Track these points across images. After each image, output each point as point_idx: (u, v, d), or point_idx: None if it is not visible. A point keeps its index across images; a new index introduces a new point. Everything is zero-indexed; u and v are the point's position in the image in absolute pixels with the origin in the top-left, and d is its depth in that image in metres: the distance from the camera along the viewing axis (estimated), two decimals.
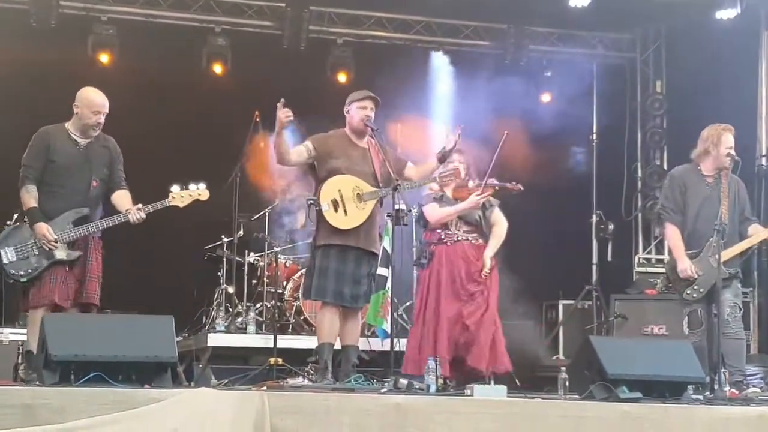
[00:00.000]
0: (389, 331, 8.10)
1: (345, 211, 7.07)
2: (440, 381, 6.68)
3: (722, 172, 7.56)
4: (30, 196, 6.99)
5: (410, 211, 7.36)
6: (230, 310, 9.86)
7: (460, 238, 7.90)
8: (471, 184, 7.90)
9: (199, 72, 11.28)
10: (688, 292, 7.50)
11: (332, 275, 7.07)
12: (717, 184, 7.57)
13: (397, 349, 7.31)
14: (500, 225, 8.01)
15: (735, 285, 7.55)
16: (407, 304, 10.06)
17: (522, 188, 7.90)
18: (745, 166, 7.70)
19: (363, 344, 8.19)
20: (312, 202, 7.15)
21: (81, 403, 5.22)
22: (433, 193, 7.90)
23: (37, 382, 5.95)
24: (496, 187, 7.87)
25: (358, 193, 7.09)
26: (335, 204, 7.06)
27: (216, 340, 9.27)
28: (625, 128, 12.30)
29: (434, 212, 7.91)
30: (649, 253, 12.29)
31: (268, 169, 10.02)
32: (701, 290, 7.45)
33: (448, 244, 7.87)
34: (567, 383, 6.76)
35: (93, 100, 7.11)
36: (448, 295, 7.74)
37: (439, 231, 7.90)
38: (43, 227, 6.90)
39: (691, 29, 11.32)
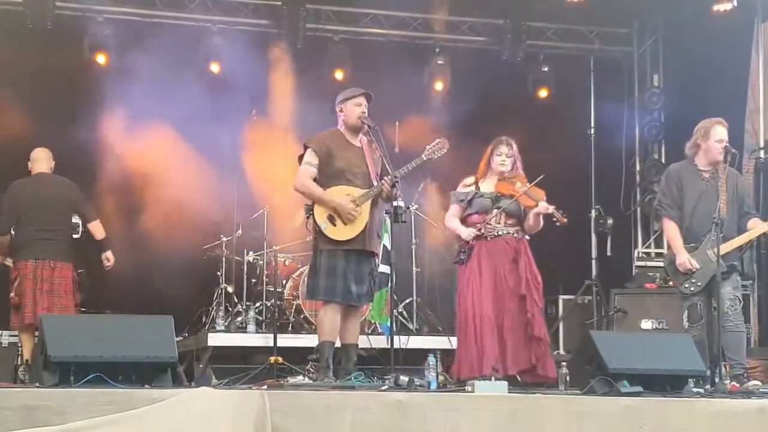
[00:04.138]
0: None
1: (343, 221, 7.05)
2: (441, 377, 6.68)
3: (719, 166, 7.53)
4: None
5: (408, 208, 7.30)
6: (230, 309, 9.84)
7: (501, 233, 7.59)
8: (519, 185, 7.58)
9: (196, 71, 11.25)
10: (686, 285, 7.50)
11: (341, 275, 7.04)
12: (714, 178, 7.54)
13: (397, 346, 7.30)
14: None
15: (734, 278, 7.53)
16: (407, 301, 10.06)
17: (566, 221, 7.49)
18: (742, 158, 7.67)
19: (363, 342, 8.18)
20: (311, 212, 7.12)
21: (81, 404, 5.22)
22: (464, 191, 7.70)
23: (37, 384, 5.95)
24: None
25: (352, 201, 7.05)
26: (332, 219, 7.04)
27: (216, 339, 9.26)
28: (623, 122, 12.25)
29: (448, 218, 7.76)
30: (648, 247, 12.27)
31: (265, 168, 10.00)
32: (699, 283, 7.44)
33: (489, 239, 7.59)
34: (568, 378, 6.76)
35: None
36: (489, 293, 7.48)
37: (478, 225, 7.60)
38: None
39: (688, 23, 11.29)
